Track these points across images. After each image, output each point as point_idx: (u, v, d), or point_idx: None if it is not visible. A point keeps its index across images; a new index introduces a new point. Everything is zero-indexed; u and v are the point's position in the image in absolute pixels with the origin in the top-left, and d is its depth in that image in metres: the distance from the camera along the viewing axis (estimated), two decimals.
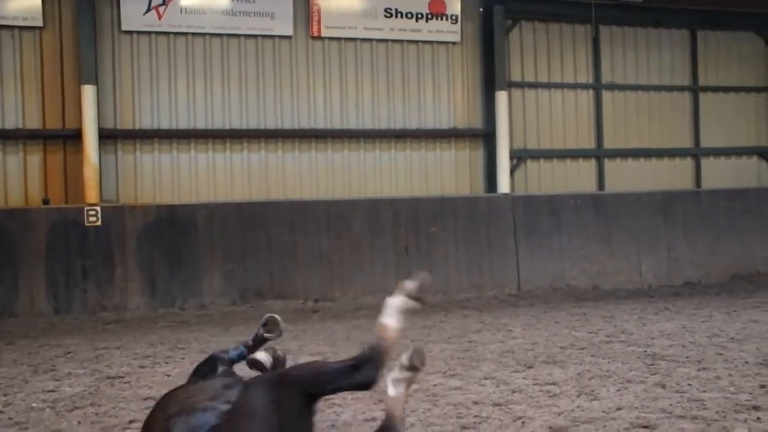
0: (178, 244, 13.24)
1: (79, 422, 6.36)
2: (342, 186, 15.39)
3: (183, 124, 14.39)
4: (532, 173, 16.90)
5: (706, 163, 18.26)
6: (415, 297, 3.98)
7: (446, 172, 16.18)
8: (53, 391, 7.55)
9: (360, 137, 15.50)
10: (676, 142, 17.95)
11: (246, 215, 13.75)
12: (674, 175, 17.99)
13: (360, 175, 15.52)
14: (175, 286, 13.17)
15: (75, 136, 13.51)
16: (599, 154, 17.28)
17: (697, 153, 18.05)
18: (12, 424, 6.35)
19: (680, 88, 18.04)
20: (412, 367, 3.83)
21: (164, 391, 7.29)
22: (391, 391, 3.80)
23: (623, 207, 15.98)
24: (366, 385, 3.69)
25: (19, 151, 13.54)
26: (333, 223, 14.16)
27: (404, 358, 3.84)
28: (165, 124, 14.30)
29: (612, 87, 17.53)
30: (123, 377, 8.13)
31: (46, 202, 13.43)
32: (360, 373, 3.66)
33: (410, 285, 4.00)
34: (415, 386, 3.88)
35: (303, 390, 3.60)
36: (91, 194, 13.12)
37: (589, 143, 17.31)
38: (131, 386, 7.69)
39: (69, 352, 9.72)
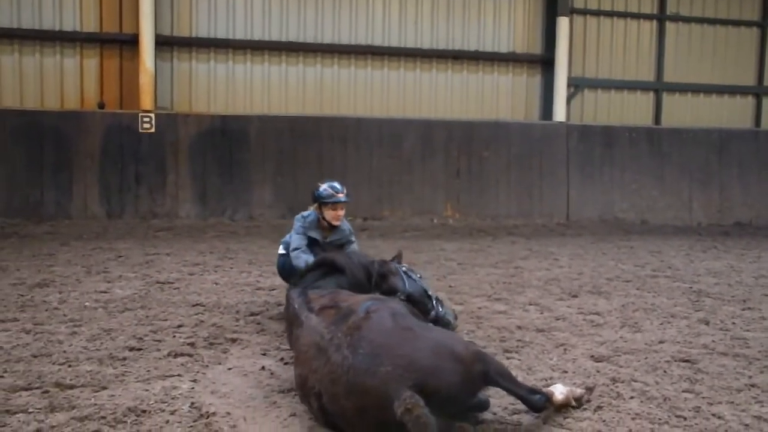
0: (230, 155, 13.34)
1: (130, 323, 6.55)
2: (396, 105, 15.24)
3: (240, 34, 14.28)
4: (588, 103, 16.51)
5: None
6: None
7: (502, 97, 15.89)
8: (105, 292, 7.78)
9: (417, 56, 15.24)
10: (738, 79, 17.30)
11: (298, 129, 13.75)
12: (733, 113, 17.40)
13: (415, 94, 15.32)
14: (226, 197, 13.34)
15: (132, 42, 13.51)
16: (658, 87, 16.76)
17: (759, 92, 17.38)
18: (66, 320, 6.56)
19: (748, 23, 17.27)
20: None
21: (213, 298, 7.52)
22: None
23: (678, 143, 15.64)
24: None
25: (76, 53, 13.61)
26: (385, 141, 14.10)
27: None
28: (222, 33, 14.20)
29: (677, 18, 16.86)
30: (173, 283, 8.33)
31: (101, 106, 13.56)
32: None
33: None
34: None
35: None
36: (146, 101, 13.19)
37: (649, 76, 16.78)
38: (180, 292, 7.88)
39: (120, 256, 9.97)
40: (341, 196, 6.58)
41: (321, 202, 6.60)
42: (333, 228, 6.76)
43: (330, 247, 6.71)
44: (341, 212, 6.68)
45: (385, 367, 3.76)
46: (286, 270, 6.86)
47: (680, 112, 17.01)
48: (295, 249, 6.62)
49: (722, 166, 15.85)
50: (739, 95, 17.38)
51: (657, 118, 16.80)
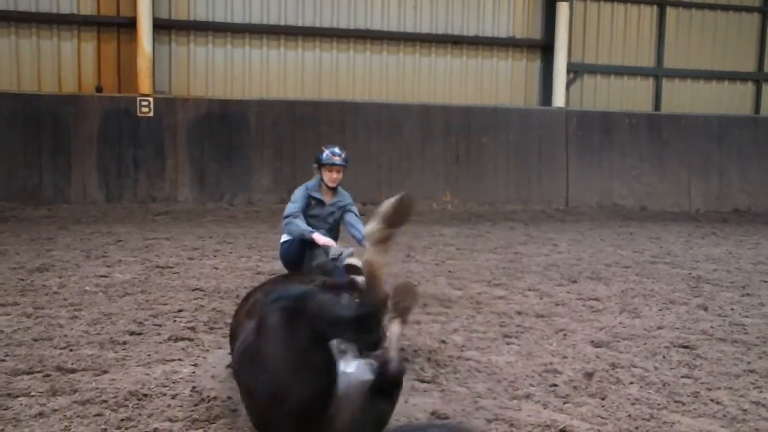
0: (229, 140, 13.31)
1: (130, 308, 6.56)
2: (395, 90, 15.19)
3: (238, 18, 14.21)
4: (587, 89, 16.47)
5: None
6: (391, 223, 3.47)
7: (501, 83, 15.84)
8: (105, 276, 7.78)
9: (416, 41, 15.18)
10: (738, 66, 17.26)
11: (297, 114, 13.72)
12: (733, 100, 17.37)
13: (414, 79, 15.27)
14: (225, 181, 13.32)
15: (129, 25, 13.43)
16: (658, 73, 16.72)
17: (759, 78, 17.35)
18: (67, 305, 6.57)
19: (748, 9, 17.21)
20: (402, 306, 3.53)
21: (213, 283, 7.52)
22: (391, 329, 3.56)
23: (678, 129, 15.63)
24: (370, 348, 3.43)
25: (74, 36, 13.53)
26: (384, 126, 14.08)
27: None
28: (220, 17, 14.13)
29: (677, 4, 16.79)
30: (172, 267, 8.33)
31: (99, 90, 13.51)
32: (363, 331, 3.36)
33: (386, 207, 3.48)
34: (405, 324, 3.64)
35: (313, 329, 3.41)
36: (144, 84, 13.14)
37: (649, 61, 16.73)
38: (180, 276, 7.88)
39: (120, 240, 9.96)
40: (337, 159, 7.00)
41: (320, 164, 7.03)
42: (332, 191, 7.14)
43: (332, 209, 7.10)
44: (336, 175, 7.06)
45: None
46: (289, 257, 6.95)
47: (680, 99, 16.99)
48: (288, 215, 6.79)
49: (721, 152, 15.86)
50: (739, 81, 17.37)
51: (657, 104, 16.78)
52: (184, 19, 14.02)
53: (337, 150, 7.09)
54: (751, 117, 16.85)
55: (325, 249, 6.60)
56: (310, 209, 7.03)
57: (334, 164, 7.02)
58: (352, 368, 3.33)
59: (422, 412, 4.18)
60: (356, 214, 7.17)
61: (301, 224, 6.74)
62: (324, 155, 7.06)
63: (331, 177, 7.05)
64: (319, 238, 6.62)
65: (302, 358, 3.32)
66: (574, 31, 15.92)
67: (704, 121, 15.92)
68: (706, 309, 6.97)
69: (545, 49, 15.77)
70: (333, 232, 7.11)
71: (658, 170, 15.52)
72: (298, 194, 7.08)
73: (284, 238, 7.09)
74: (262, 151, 13.50)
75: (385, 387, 3.41)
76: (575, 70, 15.98)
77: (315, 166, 7.16)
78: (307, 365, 3.30)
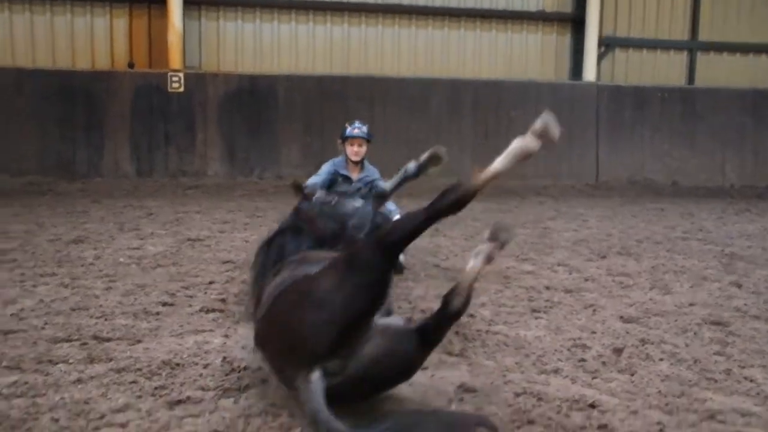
0: (258, 114, 13.36)
1: (162, 279, 6.66)
2: (424, 64, 15.11)
3: None
4: (619, 63, 16.24)
5: None
6: (542, 136, 3.61)
7: (531, 57, 15.68)
8: (138, 248, 7.90)
9: (445, 15, 15.05)
10: None
11: (326, 89, 13.71)
12: None
13: (443, 54, 15.16)
14: (254, 156, 13.38)
15: (160, 0, 13.49)
16: (692, 47, 16.42)
17: None
18: (102, 276, 6.69)
19: None
20: (495, 241, 3.82)
21: (243, 256, 7.59)
22: (470, 264, 3.78)
23: (712, 103, 15.38)
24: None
25: (106, 13, 13.62)
26: (412, 101, 14.02)
27: (488, 232, 3.84)
28: None
29: None
30: (203, 240, 8.43)
31: (131, 66, 13.61)
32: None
33: (540, 124, 3.60)
34: (492, 263, 3.84)
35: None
36: (175, 60, 13.21)
37: (683, 34, 16.43)
38: (211, 249, 7.98)
39: (151, 214, 10.08)
40: (357, 132, 7.20)
41: (343, 137, 7.26)
42: (361, 166, 7.30)
43: (359, 185, 7.16)
44: (358, 148, 7.24)
45: (280, 359, 3.73)
46: None
47: (714, 72, 16.67)
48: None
49: (757, 127, 15.57)
50: None
51: (690, 78, 16.50)
52: None
53: (358, 123, 7.31)
54: None
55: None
56: (337, 186, 7.13)
57: (355, 137, 7.21)
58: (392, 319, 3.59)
59: (450, 385, 4.20)
60: (382, 184, 7.17)
61: (320, 182, 7.02)
62: (346, 129, 7.29)
63: (353, 150, 7.23)
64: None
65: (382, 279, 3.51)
66: (605, 3, 15.67)
67: (739, 95, 15.63)
68: (739, 286, 6.89)
69: (576, 22, 15.56)
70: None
71: (691, 145, 15.31)
72: (324, 168, 7.29)
73: None
74: (291, 126, 13.53)
75: (435, 327, 3.66)
76: (607, 44, 15.76)
77: (339, 142, 7.34)
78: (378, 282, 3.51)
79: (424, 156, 5.23)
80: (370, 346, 3.53)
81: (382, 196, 5.33)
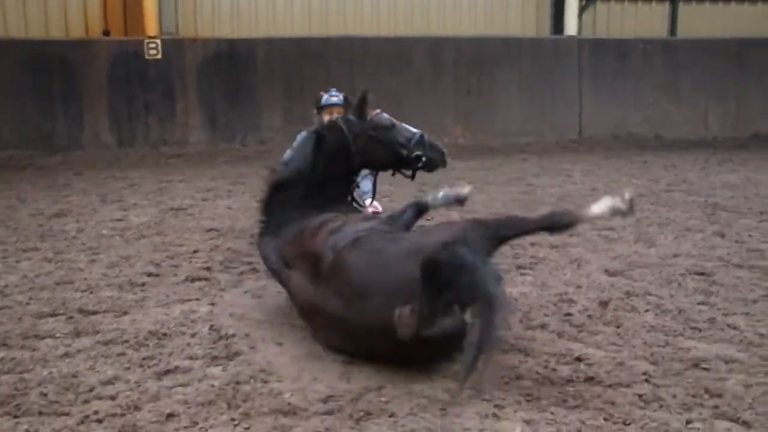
0: (238, 79, 13.20)
1: (147, 250, 6.63)
2: (404, 23, 14.95)
3: None
4: (600, 15, 16.14)
5: None
6: (629, 206, 4.08)
7: (512, 12, 15.55)
8: (121, 220, 7.86)
9: None
10: None
11: (305, 51, 13.54)
12: (753, 22, 16.94)
13: (422, 12, 15.00)
14: (235, 122, 13.25)
15: None
16: None
17: None
18: (86, 249, 6.66)
19: None
20: (625, 209, 4.09)
21: (227, 223, 7.56)
22: (596, 208, 4.09)
23: (694, 54, 15.29)
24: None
25: None
26: (393, 60, 13.88)
27: (627, 196, 4.06)
28: None
29: None
30: (186, 209, 8.39)
31: (106, 33, 13.38)
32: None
33: (630, 196, 4.09)
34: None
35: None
36: (151, 26, 12.97)
37: None
38: (195, 218, 7.95)
39: (134, 184, 10.01)
40: (334, 99, 6.95)
41: (319, 107, 7.01)
42: None
43: None
44: (336, 116, 6.68)
45: (376, 298, 3.77)
46: None
47: (696, 22, 16.59)
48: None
49: (741, 76, 15.52)
50: (760, 1, 16.88)
51: (673, 29, 16.43)
52: None
53: (334, 91, 7.07)
54: None
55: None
56: None
57: (333, 104, 6.97)
58: None
59: None
60: None
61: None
62: (322, 97, 7.06)
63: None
64: None
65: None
66: None
67: (722, 44, 15.55)
68: (722, 236, 6.94)
69: None
70: None
71: (674, 97, 15.26)
72: (299, 141, 6.57)
73: None
74: (272, 90, 13.39)
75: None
76: None
77: (315, 112, 7.12)
78: None
79: (450, 194, 5.21)
80: None
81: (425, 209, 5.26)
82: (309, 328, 4.45)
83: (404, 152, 5.14)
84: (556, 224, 4.05)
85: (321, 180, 5.05)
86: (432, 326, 3.52)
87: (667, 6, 16.41)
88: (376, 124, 5.27)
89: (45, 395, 3.71)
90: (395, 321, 3.56)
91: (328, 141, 5.13)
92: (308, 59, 13.47)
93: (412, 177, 5.31)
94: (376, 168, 5.46)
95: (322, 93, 7.16)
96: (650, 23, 16.35)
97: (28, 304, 5.11)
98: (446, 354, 3.93)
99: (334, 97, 7.01)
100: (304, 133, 6.67)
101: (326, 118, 6.86)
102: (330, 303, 4.02)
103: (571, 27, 15.01)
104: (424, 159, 5.15)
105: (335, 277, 4.06)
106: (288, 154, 6.63)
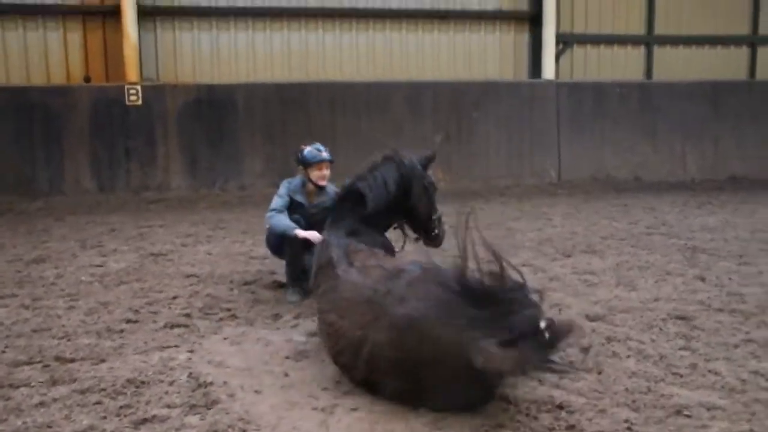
0: (219, 125, 13.23)
1: (126, 296, 6.57)
2: (383, 68, 15.08)
3: (222, 2, 14.07)
4: (578, 59, 16.36)
5: (763, 52, 17.39)
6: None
7: (490, 56, 15.74)
8: (100, 266, 7.80)
9: (402, 17, 15.03)
10: (731, 29, 17.08)
11: (286, 96, 13.62)
12: (727, 65, 17.22)
13: (401, 57, 15.15)
14: (216, 167, 13.24)
15: (114, 13, 13.28)
16: (649, 41, 16.59)
17: (753, 41, 17.20)
18: (64, 295, 6.59)
19: None
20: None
21: (207, 269, 7.52)
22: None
23: (670, 97, 15.54)
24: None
25: (59, 27, 13.37)
26: (373, 105, 13.99)
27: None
28: (204, 1, 13.98)
29: None
30: (166, 255, 8.34)
31: (87, 80, 13.40)
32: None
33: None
34: None
35: None
36: (132, 73, 13.03)
37: (639, 28, 16.58)
38: (174, 263, 7.89)
39: (114, 230, 9.95)
40: (325, 155, 6.62)
41: (306, 164, 6.60)
42: (319, 190, 6.69)
43: (314, 210, 6.65)
44: (327, 171, 6.67)
45: (459, 319, 3.84)
46: (275, 244, 6.70)
47: (672, 66, 16.85)
48: (272, 209, 6.49)
49: (717, 119, 15.75)
50: (733, 45, 17.18)
51: (648, 72, 16.67)
52: (168, 5, 13.87)
53: (320, 146, 6.68)
54: (746, 81, 16.76)
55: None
56: (291, 214, 6.58)
57: (323, 160, 6.62)
58: None
59: None
60: None
61: (284, 220, 6.41)
62: (308, 153, 6.61)
63: (321, 175, 6.63)
64: (302, 233, 6.33)
65: None
66: (562, 0, 15.77)
67: (698, 87, 15.80)
68: (703, 279, 6.98)
69: (533, 20, 15.63)
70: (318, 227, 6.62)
71: (652, 140, 15.45)
72: (282, 190, 6.65)
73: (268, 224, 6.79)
74: (253, 135, 13.42)
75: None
76: (564, 41, 15.87)
77: (300, 167, 6.68)
78: None
79: None
80: None
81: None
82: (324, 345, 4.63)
83: (434, 217, 6.04)
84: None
85: (384, 208, 5.68)
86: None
87: (642, 49, 16.69)
88: (432, 182, 6.07)
89: None
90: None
91: (404, 178, 5.79)
92: (288, 104, 13.54)
93: (416, 240, 6.06)
94: (408, 217, 6.06)
95: (305, 147, 6.73)
96: (627, 66, 16.61)
97: (3, 352, 5.04)
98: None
99: (324, 152, 6.63)
100: (285, 183, 6.74)
101: (316, 173, 6.60)
102: (403, 305, 4.08)
103: (548, 71, 15.23)
104: (436, 232, 6.07)
105: (422, 287, 4.17)
106: (276, 201, 6.59)
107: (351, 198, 5.72)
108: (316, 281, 5.20)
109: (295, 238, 6.33)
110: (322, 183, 6.67)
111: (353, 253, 5.04)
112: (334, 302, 4.60)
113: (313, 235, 6.35)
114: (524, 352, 3.67)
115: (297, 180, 6.71)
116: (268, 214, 6.51)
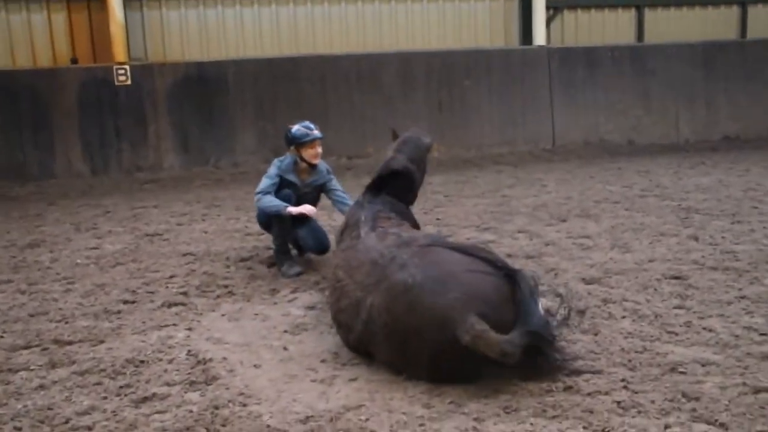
0: (210, 102, 13.15)
1: (122, 277, 6.58)
2: (373, 40, 14.97)
3: None
4: (568, 24, 16.27)
5: (754, 11, 17.32)
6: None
7: (480, 24, 15.63)
8: (96, 248, 7.79)
9: None
10: None
11: (276, 71, 13.53)
12: (718, 25, 17.13)
13: (391, 28, 15.04)
14: (208, 145, 13.19)
15: None
16: (639, 3, 16.47)
17: (744, 0, 17.13)
18: (60, 278, 6.59)
19: None
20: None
21: (203, 247, 7.52)
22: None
23: (662, 59, 15.46)
24: None
25: (43, 9, 13.21)
26: (364, 78, 13.91)
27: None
28: None
29: None
30: (161, 234, 8.33)
31: (74, 61, 13.28)
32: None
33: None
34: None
35: None
36: (119, 53, 12.91)
37: None
38: (170, 243, 7.89)
39: (108, 212, 9.93)
40: (317, 132, 6.52)
41: (298, 143, 6.47)
42: (311, 168, 6.63)
43: (306, 189, 6.64)
44: (319, 149, 6.59)
45: (454, 293, 3.88)
46: (266, 222, 6.66)
47: (663, 28, 16.76)
48: (259, 192, 6.40)
49: (708, 80, 15.69)
50: (723, 5, 17.08)
51: (640, 35, 16.59)
52: None
53: (309, 124, 6.56)
54: (737, 41, 16.68)
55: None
56: (281, 191, 6.49)
57: (316, 138, 6.50)
58: None
59: None
60: (341, 190, 6.78)
61: (273, 200, 6.35)
62: (298, 132, 6.48)
63: (314, 153, 6.53)
64: (294, 210, 6.32)
65: None
66: None
67: (689, 48, 15.72)
68: (696, 239, 7.01)
69: None
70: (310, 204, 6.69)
71: (644, 102, 15.39)
72: (272, 171, 6.55)
73: None
74: (244, 112, 13.35)
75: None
76: (555, 6, 15.76)
77: (291, 147, 6.54)
78: None
79: None
80: None
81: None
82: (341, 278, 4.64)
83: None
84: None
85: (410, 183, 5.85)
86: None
87: (633, 12, 16.60)
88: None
89: (19, 429, 3.67)
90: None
91: (422, 158, 6.03)
92: (279, 79, 13.46)
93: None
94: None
95: (294, 126, 6.58)
96: (618, 30, 16.52)
97: (1, 337, 5.05)
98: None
99: (315, 130, 6.50)
100: (276, 162, 6.65)
101: (309, 152, 6.49)
102: (403, 272, 4.14)
103: (539, 37, 15.13)
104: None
105: (426, 257, 4.23)
106: (264, 182, 6.52)
107: (389, 177, 5.72)
108: (341, 238, 5.32)
109: (287, 215, 6.33)
110: (316, 161, 6.59)
111: (381, 218, 5.17)
112: (347, 260, 4.69)
113: (306, 208, 6.39)
114: (519, 342, 3.73)
115: (288, 159, 6.60)
116: (256, 196, 6.44)
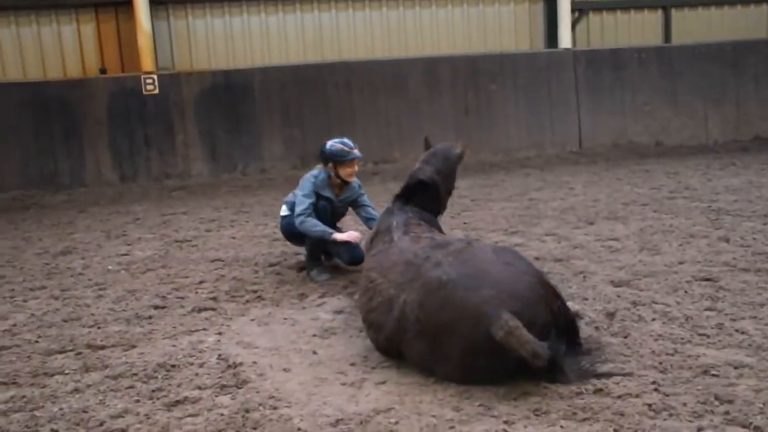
0: (236, 110, 13.27)
1: (153, 283, 6.65)
2: (398, 45, 15.01)
3: None
4: (594, 27, 16.18)
5: None
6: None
7: (505, 28, 15.60)
8: (126, 254, 7.89)
9: None
10: None
11: (302, 78, 13.61)
12: (747, 24, 16.93)
13: (416, 33, 15.06)
14: (236, 152, 13.30)
15: (126, 3, 13.30)
16: (666, 4, 16.34)
17: None
18: (92, 284, 6.69)
19: None
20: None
21: (231, 253, 7.59)
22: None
23: (690, 60, 15.31)
24: None
25: (72, 20, 13.45)
26: (390, 83, 13.94)
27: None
28: None
29: None
30: (191, 241, 8.41)
31: (103, 71, 13.48)
32: None
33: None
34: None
35: None
36: (147, 62, 13.08)
37: None
38: (199, 249, 7.96)
39: (138, 219, 10.05)
40: (357, 152, 6.39)
41: (336, 161, 6.33)
42: (345, 185, 6.55)
43: (340, 204, 6.64)
44: (356, 168, 6.51)
45: (487, 290, 3.92)
46: (291, 231, 6.60)
47: (691, 28, 16.59)
48: (301, 214, 6.28)
49: (737, 80, 15.50)
50: (753, 4, 16.89)
51: (667, 36, 16.45)
52: None
53: (348, 141, 6.40)
54: (766, 40, 16.48)
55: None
56: (317, 203, 6.41)
57: (355, 158, 6.37)
58: None
59: None
60: (371, 206, 6.71)
61: (317, 224, 6.27)
62: (335, 149, 6.31)
63: (352, 172, 6.43)
64: (340, 236, 6.32)
65: None
66: None
67: (717, 48, 15.53)
68: (727, 240, 6.92)
69: None
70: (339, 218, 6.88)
71: (672, 104, 15.26)
72: (308, 187, 6.38)
73: (284, 212, 6.69)
74: (270, 119, 13.44)
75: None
76: (580, 9, 15.69)
77: (329, 164, 6.38)
78: None
79: None
80: None
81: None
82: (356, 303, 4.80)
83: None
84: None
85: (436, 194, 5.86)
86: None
87: (660, 13, 16.47)
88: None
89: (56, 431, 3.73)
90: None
91: (451, 170, 6.09)
92: (305, 86, 13.54)
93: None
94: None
95: (330, 142, 6.40)
96: (644, 31, 16.40)
97: (36, 342, 5.13)
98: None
99: (355, 150, 6.36)
100: (311, 177, 6.47)
101: (347, 170, 6.37)
102: (437, 269, 4.19)
103: (565, 40, 15.07)
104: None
105: (461, 255, 4.28)
106: (292, 197, 6.55)
107: (417, 188, 5.78)
108: (372, 245, 5.36)
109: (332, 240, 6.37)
110: (352, 180, 6.52)
111: (412, 224, 5.24)
112: (380, 262, 4.74)
113: (351, 235, 6.37)
114: (549, 345, 3.77)
115: (323, 175, 6.46)
116: (298, 219, 6.29)
